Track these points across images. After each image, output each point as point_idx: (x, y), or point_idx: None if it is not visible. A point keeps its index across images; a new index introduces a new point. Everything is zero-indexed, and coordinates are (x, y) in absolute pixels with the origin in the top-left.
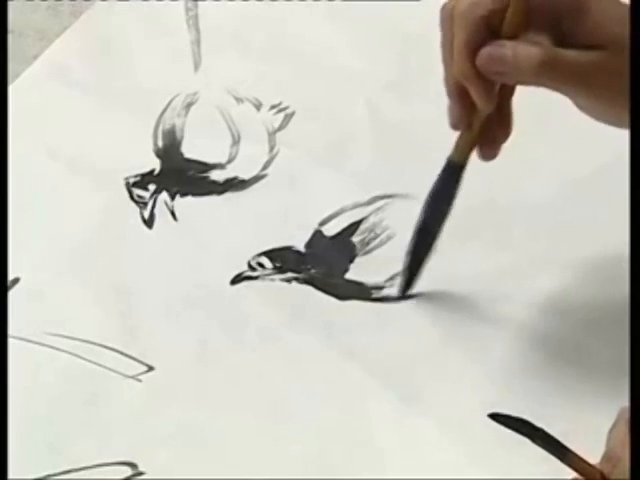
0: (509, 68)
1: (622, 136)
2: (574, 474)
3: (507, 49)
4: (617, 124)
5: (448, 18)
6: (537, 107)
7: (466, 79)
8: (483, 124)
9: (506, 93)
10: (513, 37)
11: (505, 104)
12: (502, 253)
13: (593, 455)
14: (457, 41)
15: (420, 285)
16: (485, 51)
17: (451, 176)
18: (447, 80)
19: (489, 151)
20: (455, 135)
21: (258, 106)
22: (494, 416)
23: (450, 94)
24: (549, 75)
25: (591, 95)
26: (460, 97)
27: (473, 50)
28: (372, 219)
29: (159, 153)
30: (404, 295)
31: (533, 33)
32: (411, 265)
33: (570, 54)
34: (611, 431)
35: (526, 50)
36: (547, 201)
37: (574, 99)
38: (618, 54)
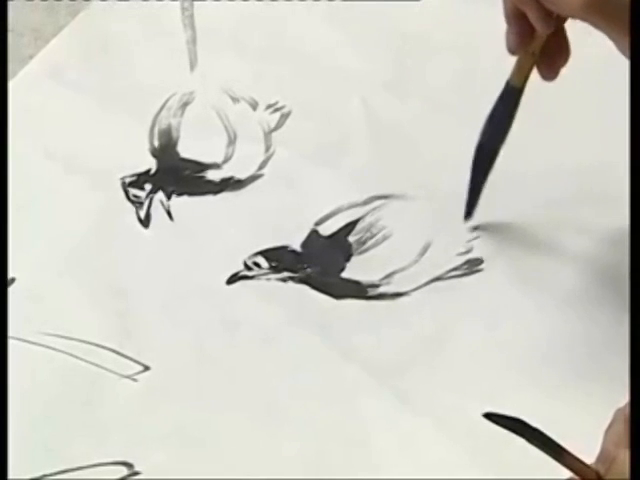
0: (558, 2)
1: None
2: (570, 474)
3: None
4: None
5: None
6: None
7: (524, 4)
8: (541, 48)
9: (562, 18)
10: None
11: (562, 27)
12: None
13: (589, 455)
14: None
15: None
16: None
17: (509, 99)
18: (505, 4)
19: (549, 73)
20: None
21: (254, 106)
22: (489, 416)
23: (508, 18)
24: (594, 14)
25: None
26: (518, 21)
27: None
28: (368, 219)
29: (155, 153)
30: (469, 214)
31: None
32: (472, 185)
33: None
34: (607, 431)
35: None
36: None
37: (619, 43)
38: None
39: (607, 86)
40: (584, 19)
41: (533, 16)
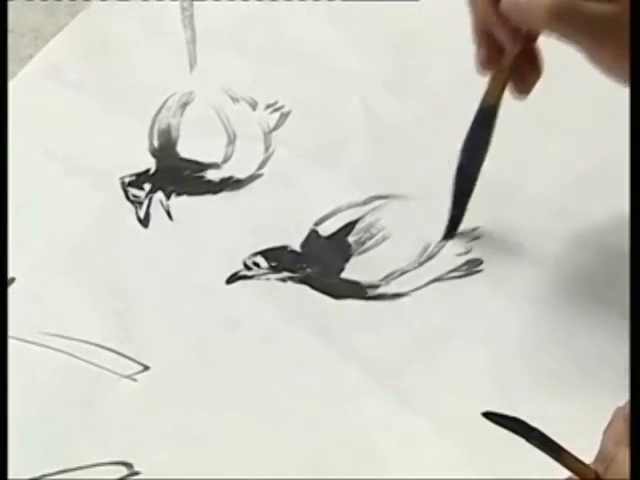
0: (523, 15)
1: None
2: (569, 474)
3: None
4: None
5: None
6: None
7: (490, 23)
8: (512, 65)
9: (532, 35)
10: None
11: (532, 45)
12: None
13: (587, 454)
14: None
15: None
16: None
17: (485, 118)
18: (474, 25)
19: (522, 90)
20: (443, 131)
21: (254, 105)
22: (488, 415)
23: (476, 39)
24: (560, 24)
25: (603, 49)
26: (486, 41)
27: None
28: (368, 219)
29: (155, 152)
30: (449, 237)
31: None
32: (454, 209)
33: (582, 4)
34: (606, 430)
35: None
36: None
37: (587, 53)
38: None
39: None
40: (552, 31)
41: (501, 34)
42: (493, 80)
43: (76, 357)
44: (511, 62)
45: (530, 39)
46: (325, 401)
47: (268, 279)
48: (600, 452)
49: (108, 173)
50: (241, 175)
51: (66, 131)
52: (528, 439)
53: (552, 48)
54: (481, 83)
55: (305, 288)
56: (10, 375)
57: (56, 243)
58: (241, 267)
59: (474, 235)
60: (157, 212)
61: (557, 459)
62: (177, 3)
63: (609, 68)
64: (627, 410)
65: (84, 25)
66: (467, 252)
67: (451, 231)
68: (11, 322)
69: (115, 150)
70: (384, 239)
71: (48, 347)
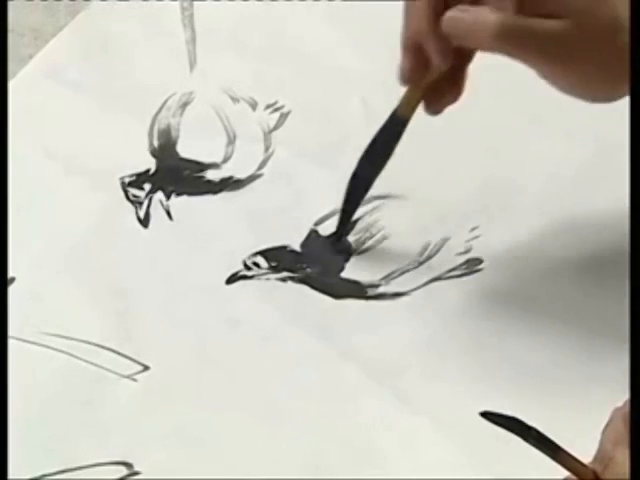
0: (467, 33)
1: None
2: (567, 473)
3: (467, 14)
4: (582, 96)
5: None
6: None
7: (425, 37)
8: (433, 82)
9: (464, 56)
10: (478, 1)
11: (461, 67)
12: None
13: (586, 454)
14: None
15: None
16: (448, 14)
17: (394, 129)
18: (404, 33)
19: (434, 107)
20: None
21: (254, 105)
22: (486, 415)
23: (405, 49)
24: (507, 43)
25: (553, 66)
26: (415, 53)
27: (435, 10)
28: (367, 219)
29: (154, 152)
30: (339, 240)
31: None
32: (344, 211)
33: (530, 22)
34: (604, 431)
35: (484, 16)
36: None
37: (537, 69)
38: (581, 25)
39: None
40: (497, 51)
41: (432, 49)
42: (409, 92)
43: (76, 357)
44: (433, 79)
45: (462, 58)
46: (325, 401)
47: (268, 279)
48: (598, 452)
49: (108, 173)
50: (241, 175)
51: (66, 131)
52: (526, 439)
53: None
54: (481, 83)
55: (305, 288)
56: (10, 375)
57: (56, 243)
58: (241, 267)
59: (474, 234)
60: (157, 212)
61: (555, 459)
62: (177, 3)
63: (560, 85)
64: (626, 410)
65: (84, 25)
66: (467, 251)
67: (339, 237)
68: (11, 322)
69: (115, 150)
70: (384, 239)
71: (48, 347)
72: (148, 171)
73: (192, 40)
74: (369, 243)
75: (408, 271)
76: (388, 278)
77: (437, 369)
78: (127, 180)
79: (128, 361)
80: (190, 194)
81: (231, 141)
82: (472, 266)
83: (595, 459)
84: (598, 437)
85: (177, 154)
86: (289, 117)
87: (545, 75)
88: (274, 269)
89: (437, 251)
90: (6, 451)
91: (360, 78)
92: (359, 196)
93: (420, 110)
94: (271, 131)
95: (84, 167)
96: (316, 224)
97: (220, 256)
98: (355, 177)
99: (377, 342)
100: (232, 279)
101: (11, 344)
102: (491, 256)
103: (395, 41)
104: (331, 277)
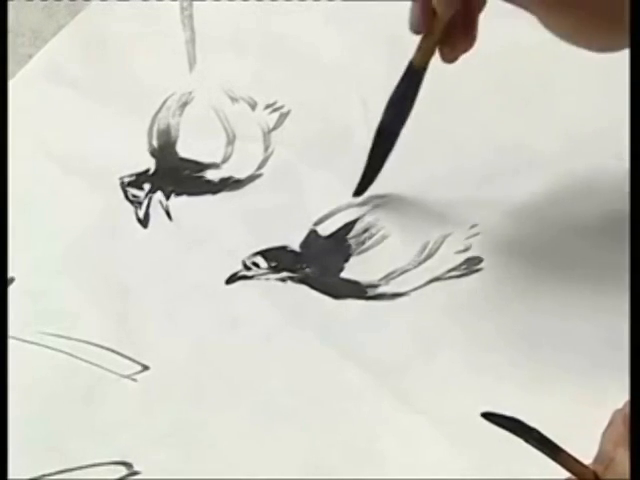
0: None
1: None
2: (567, 474)
3: None
4: (580, 43)
5: None
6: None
7: None
8: (444, 30)
9: (474, 3)
10: None
11: (472, 15)
12: None
13: (586, 455)
14: None
15: None
16: None
17: (412, 79)
18: None
19: (449, 55)
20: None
21: (253, 105)
22: (487, 415)
23: None
24: None
25: (549, 10)
26: (422, 1)
27: None
28: (367, 219)
29: (154, 152)
30: (359, 194)
31: None
32: (369, 166)
33: None
34: (605, 432)
35: None
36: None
37: (542, 19)
38: None
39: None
40: None
41: None
42: (423, 42)
43: (76, 357)
44: (442, 26)
45: (469, 7)
46: (325, 401)
47: (268, 279)
48: (599, 453)
49: (107, 173)
50: (241, 175)
51: (65, 131)
52: (527, 439)
53: None
54: (481, 83)
55: (305, 288)
56: (10, 375)
57: (56, 243)
58: (241, 267)
59: (473, 232)
60: (157, 212)
61: (556, 459)
62: (177, 3)
63: (558, 32)
64: (626, 412)
65: (84, 25)
66: (466, 249)
67: (361, 190)
68: (11, 322)
69: (114, 150)
70: (383, 238)
71: (48, 347)
72: (147, 171)
73: (191, 40)
74: (369, 243)
75: (408, 271)
76: (388, 278)
77: (437, 369)
78: (126, 180)
79: (128, 361)
80: (190, 194)
81: (230, 141)
82: (471, 265)
83: (596, 460)
84: (598, 438)
85: (177, 154)
86: (288, 117)
87: (544, 22)
88: (274, 269)
89: (436, 250)
90: (6, 451)
91: (360, 78)
92: (386, 150)
93: (420, 110)
94: (270, 131)
95: (84, 167)
96: (316, 224)
97: (220, 256)
98: (380, 133)
99: (377, 342)
100: (232, 279)
101: (11, 344)
102: (491, 254)
103: (395, 41)
104: (331, 277)
